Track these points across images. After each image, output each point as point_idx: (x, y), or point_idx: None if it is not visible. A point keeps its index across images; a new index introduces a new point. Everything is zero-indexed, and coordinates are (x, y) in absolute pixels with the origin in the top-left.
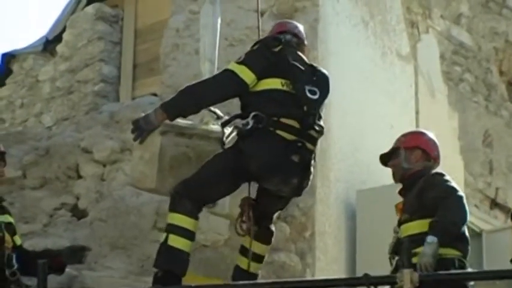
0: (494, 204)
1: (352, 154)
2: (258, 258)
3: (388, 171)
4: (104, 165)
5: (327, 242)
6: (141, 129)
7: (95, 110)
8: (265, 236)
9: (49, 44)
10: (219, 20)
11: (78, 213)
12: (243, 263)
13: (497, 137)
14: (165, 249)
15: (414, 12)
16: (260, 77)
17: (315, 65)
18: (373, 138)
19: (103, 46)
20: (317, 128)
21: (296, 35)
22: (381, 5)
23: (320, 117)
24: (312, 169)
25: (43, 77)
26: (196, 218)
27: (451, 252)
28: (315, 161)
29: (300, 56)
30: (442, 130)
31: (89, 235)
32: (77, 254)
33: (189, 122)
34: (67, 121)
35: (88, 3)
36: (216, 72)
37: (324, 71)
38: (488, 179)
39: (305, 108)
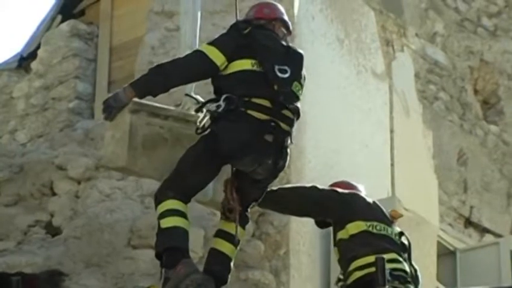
0: (469, 222)
1: (327, 173)
2: (237, 242)
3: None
4: (79, 183)
5: (302, 260)
6: (111, 107)
7: (69, 127)
8: (242, 220)
9: (23, 61)
10: (199, 7)
11: (53, 231)
12: (225, 247)
13: (472, 156)
14: (160, 232)
15: (389, 31)
16: (230, 59)
17: (291, 45)
18: (347, 156)
19: (78, 63)
20: (290, 106)
21: (276, 19)
22: (356, 24)
23: (297, 98)
24: (288, 150)
25: (17, 93)
26: (185, 203)
27: None
28: (291, 142)
29: (272, 36)
30: (417, 149)
31: (63, 252)
32: (54, 278)
33: (166, 106)
34: (41, 138)
35: (63, 20)
36: None
37: (299, 50)
38: (462, 198)
39: (275, 87)
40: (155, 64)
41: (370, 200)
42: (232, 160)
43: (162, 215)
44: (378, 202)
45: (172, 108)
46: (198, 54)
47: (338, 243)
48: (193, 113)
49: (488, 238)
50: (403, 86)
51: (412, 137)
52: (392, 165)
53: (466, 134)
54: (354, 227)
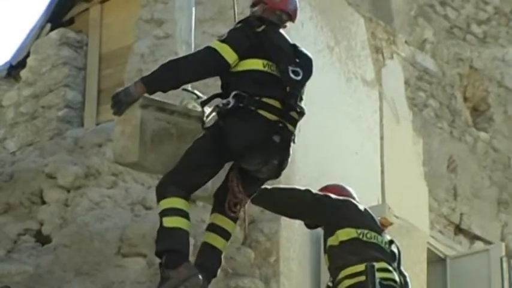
0: (459, 229)
1: (317, 180)
2: (228, 236)
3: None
4: (68, 191)
5: (292, 268)
6: (121, 101)
7: (59, 135)
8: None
9: (13, 70)
10: (194, 2)
11: (42, 239)
12: (218, 242)
13: (462, 163)
14: (161, 232)
15: (379, 38)
16: (242, 57)
17: (297, 45)
18: (337, 163)
19: (67, 71)
20: (298, 109)
21: (288, 13)
22: (346, 31)
23: (301, 99)
24: (291, 151)
25: (7, 102)
26: (187, 200)
27: None
28: (294, 142)
29: (283, 35)
30: (407, 156)
31: (53, 261)
32: None
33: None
34: (31, 146)
35: (52, 29)
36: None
37: (307, 52)
38: (452, 205)
39: (288, 89)
40: (145, 70)
41: (362, 206)
42: (240, 159)
43: (165, 213)
44: (369, 209)
45: (176, 104)
46: (210, 51)
47: (328, 249)
48: (192, 107)
49: (478, 245)
50: (393, 93)
51: (402, 144)
52: (382, 172)
53: (456, 141)
54: (344, 234)
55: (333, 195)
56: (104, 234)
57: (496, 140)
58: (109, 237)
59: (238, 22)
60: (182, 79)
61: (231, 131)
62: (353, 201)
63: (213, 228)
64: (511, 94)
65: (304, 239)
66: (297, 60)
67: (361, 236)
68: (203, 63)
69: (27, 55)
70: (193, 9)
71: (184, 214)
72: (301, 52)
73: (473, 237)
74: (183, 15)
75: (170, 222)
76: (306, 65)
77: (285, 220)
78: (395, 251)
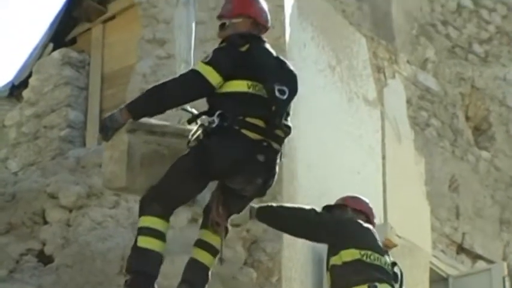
0: (461, 249)
1: (319, 199)
2: (215, 252)
3: None
4: (70, 211)
5: None
6: (107, 127)
7: (61, 155)
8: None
9: (15, 89)
10: (194, 21)
11: (44, 259)
12: (205, 258)
13: (464, 182)
14: (134, 251)
15: (381, 58)
16: (226, 78)
17: (281, 58)
18: (339, 183)
19: (69, 91)
20: (284, 128)
21: (263, 23)
22: (348, 50)
23: (288, 115)
24: (277, 169)
25: (9, 122)
26: (167, 220)
27: None
28: (280, 160)
29: (267, 50)
30: (409, 175)
31: (55, 281)
32: None
33: (164, 123)
34: (33, 166)
35: (54, 48)
36: None
37: (292, 67)
38: (454, 224)
39: (273, 108)
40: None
41: (366, 225)
42: (223, 178)
43: (142, 231)
44: (373, 229)
45: (168, 124)
46: (194, 74)
47: (331, 269)
48: (188, 126)
49: (481, 264)
50: (394, 112)
51: (404, 163)
52: (384, 191)
53: (458, 160)
54: (348, 255)
55: (336, 215)
56: (106, 254)
57: (498, 159)
58: (111, 257)
59: (222, 41)
60: (166, 104)
61: (215, 150)
62: (358, 220)
63: (200, 244)
64: None
65: (307, 259)
66: (283, 77)
67: (364, 257)
68: (187, 87)
69: (30, 75)
70: (193, 28)
71: (159, 235)
72: (286, 67)
73: (476, 257)
74: (182, 34)
75: (144, 242)
76: (291, 82)
77: (287, 240)
78: (398, 272)
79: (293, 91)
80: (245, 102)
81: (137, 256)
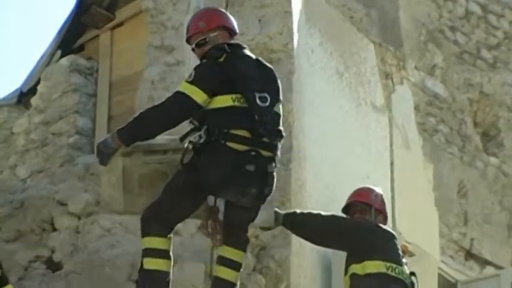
0: (469, 255)
1: (327, 206)
2: (237, 266)
3: None
4: (79, 218)
5: None
6: (102, 153)
7: (69, 162)
8: (238, 243)
9: (23, 97)
10: None
11: (53, 266)
12: (228, 274)
13: (472, 188)
14: (143, 273)
15: (388, 64)
16: (212, 95)
17: (260, 59)
18: (348, 189)
19: (78, 98)
20: (272, 134)
21: (235, 30)
22: (355, 57)
23: (277, 116)
24: (274, 175)
25: (17, 129)
26: (168, 237)
27: None
28: (275, 166)
29: (246, 56)
30: (417, 181)
31: None
32: None
33: (166, 139)
34: (42, 173)
35: (62, 55)
36: None
37: (269, 66)
38: (463, 230)
39: (256, 117)
40: (155, 97)
41: (388, 229)
42: (215, 193)
43: (148, 253)
44: (394, 233)
45: (168, 141)
46: (179, 96)
47: (352, 277)
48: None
49: (489, 270)
50: (402, 118)
51: (412, 169)
52: (392, 197)
53: (466, 166)
54: (373, 266)
55: (362, 222)
56: (114, 260)
57: (507, 165)
58: (120, 264)
59: (202, 57)
60: (156, 130)
61: (203, 166)
62: (383, 227)
63: (221, 261)
64: None
65: (315, 265)
66: (263, 83)
67: (389, 271)
68: (174, 110)
69: (38, 82)
70: None
71: (164, 255)
72: (264, 70)
73: (484, 262)
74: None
75: (150, 264)
76: (271, 85)
77: (295, 246)
78: (415, 282)
79: (275, 95)
80: (229, 116)
81: (145, 279)
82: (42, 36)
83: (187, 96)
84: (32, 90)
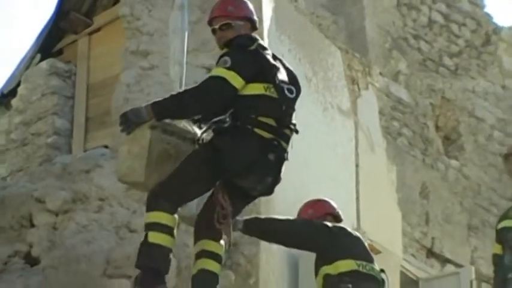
0: (431, 253)
1: (294, 205)
2: (220, 259)
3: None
4: (57, 215)
5: None
6: (130, 121)
7: (48, 161)
8: (219, 235)
9: (4, 98)
10: (187, 25)
11: (31, 261)
12: (213, 266)
13: (434, 190)
14: (145, 247)
15: (355, 70)
16: (247, 82)
17: (279, 57)
18: (315, 189)
19: (56, 100)
20: (291, 126)
21: (256, 27)
22: (323, 63)
23: (293, 114)
24: (283, 168)
25: None
26: (174, 216)
27: None
28: (287, 159)
29: (268, 50)
30: (381, 182)
31: (42, 282)
32: None
33: (174, 122)
34: (21, 172)
35: (42, 59)
36: (184, 74)
37: (290, 66)
38: (424, 229)
39: (283, 107)
40: (131, 100)
41: (354, 233)
42: (235, 177)
43: (152, 227)
44: (360, 236)
45: (178, 124)
46: (219, 81)
47: (324, 277)
48: (189, 127)
49: (449, 268)
50: (368, 122)
51: (376, 171)
52: (357, 198)
53: (428, 169)
54: (344, 265)
55: (329, 224)
56: (90, 256)
57: (467, 168)
58: (95, 259)
59: (226, 44)
60: (190, 112)
61: (227, 149)
62: (347, 228)
63: (205, 254)
64: (481, 124)
65: (283, 262)
66: (288, 76)
67: (360, 268)
68: (215, 95)
69: (18, 84)
70: (186, 32)
71: (169, 231)
72: (287, 68)
73: (445, 261)
74: (176, 37)
75: (154, 238)
76: (296, 81)
77: (264, 243)
78: (385, 279)
79: (298, 90)
80: (260, 103)
81: (148, 252)
82: (23, 40)
83: (227, 82)
84: (13, 92)
